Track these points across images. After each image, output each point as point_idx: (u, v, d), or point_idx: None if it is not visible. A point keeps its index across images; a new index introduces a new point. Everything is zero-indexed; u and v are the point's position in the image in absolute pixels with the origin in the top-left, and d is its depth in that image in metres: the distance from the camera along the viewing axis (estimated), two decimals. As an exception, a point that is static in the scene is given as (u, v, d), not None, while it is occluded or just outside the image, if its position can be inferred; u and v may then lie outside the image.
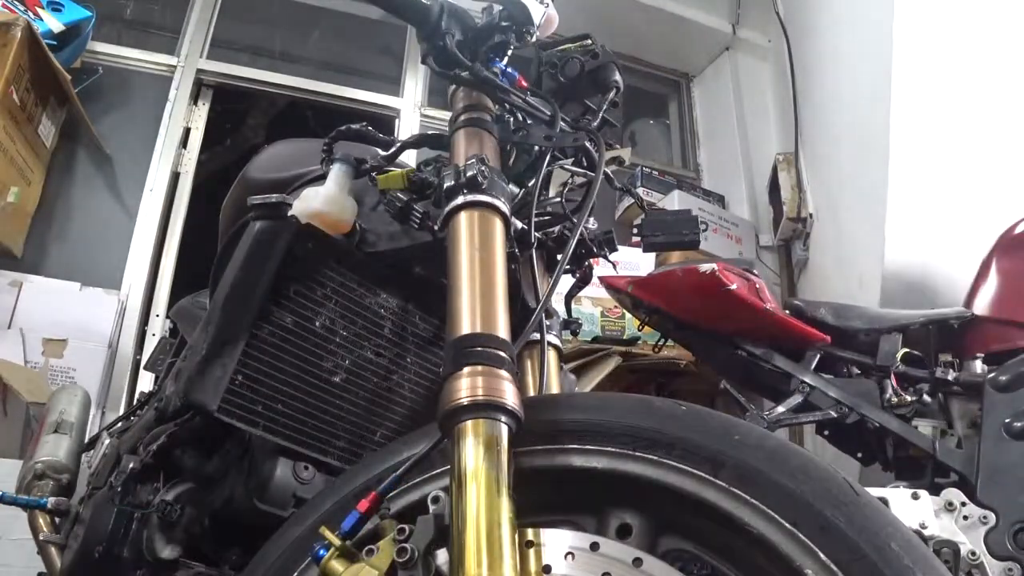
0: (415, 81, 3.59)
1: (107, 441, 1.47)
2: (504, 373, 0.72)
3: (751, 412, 1.79)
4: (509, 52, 1.05)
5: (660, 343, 2.17)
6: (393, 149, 1.10)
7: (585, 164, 1.08)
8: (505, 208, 0.87)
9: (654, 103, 4.28)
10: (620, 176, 1.15)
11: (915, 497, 1.52)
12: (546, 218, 1.11)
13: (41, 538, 1.28)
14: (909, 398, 1.72)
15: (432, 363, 1.11)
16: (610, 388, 2.54)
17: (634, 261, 2.77)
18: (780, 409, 1.76)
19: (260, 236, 0.97)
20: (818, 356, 1.83)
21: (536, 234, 1.03)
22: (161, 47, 3.24)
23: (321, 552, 0.70)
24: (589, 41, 1.12)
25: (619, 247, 1.16)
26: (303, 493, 0.96)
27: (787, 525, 0.61)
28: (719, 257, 2.90)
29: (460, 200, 0.85)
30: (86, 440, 1.59)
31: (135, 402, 1.67)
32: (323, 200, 1.03)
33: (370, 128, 1.11)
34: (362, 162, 1.08)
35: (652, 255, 2.74)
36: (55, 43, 2.65)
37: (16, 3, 2.59)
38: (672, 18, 3.84)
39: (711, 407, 0.74)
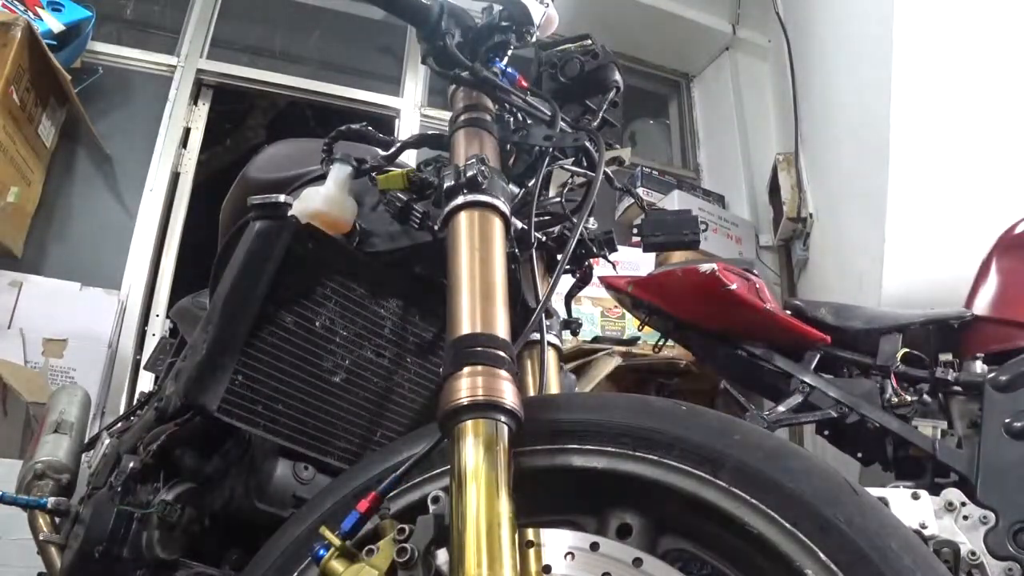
0: (415, 81, 3.59)
1: (107, 441, 1.47)
2: (504, 373, 0.72)
3: (751, 412, 1.79)
4: (509, 52, 1.05)
5: (660, 343, 2.17)
6: (393, 149, 1.10)
7: (585, 164, 1.08)
8: (505, 208, 0.87)
9: (654, 103, 4.28)
10: (620, 176, 1.15)
11: (915, 497, 1.52)
12: (546, 218, 1.11)
13: (41, 538, 1.28)
14: (909, 398, 1.72)
15: (432, 363, 1.11)
16: (610, 388, 2.53)
17: (634, 261, 2.77)
18: (780, 409, 1.76)
19: (260, 236, 0.97)
20: (818, 356, 1.83)
21: (536, 234, 1.03)
22: (161, 47, 3.24)
23: (321, 552, 0.70)
24: (589, 41, 1.12)
25: (619, 247, 1.16)
26: (303, 493, 0.96)
27: (787, 525, 0.61)
28: (719, 257, 2.90)
29: (460, 200, 0.85)
30: (86, 440, 1.58)
31: (135, 402, 1.68)
32: (323, 200, 1.03)
33: (370, 128, 1.11)
34: (362, 162, 1.08)
35: (652, 255, 2.74)
36: (55, 43, 2.65)
37: (16, 3, 2.59)
38: (672, 18, 3.85)
39: (711, 407, 0.74)
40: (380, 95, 3.52)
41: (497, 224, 0.85)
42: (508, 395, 0.71)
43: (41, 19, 2.64)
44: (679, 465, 0.68)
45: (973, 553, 1.44)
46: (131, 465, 1.05)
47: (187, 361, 0.98)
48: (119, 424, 1.57)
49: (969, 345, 1.80)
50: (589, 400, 0.83)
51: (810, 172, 3.30)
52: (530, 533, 0.69)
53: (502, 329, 0.76)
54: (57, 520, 1.32)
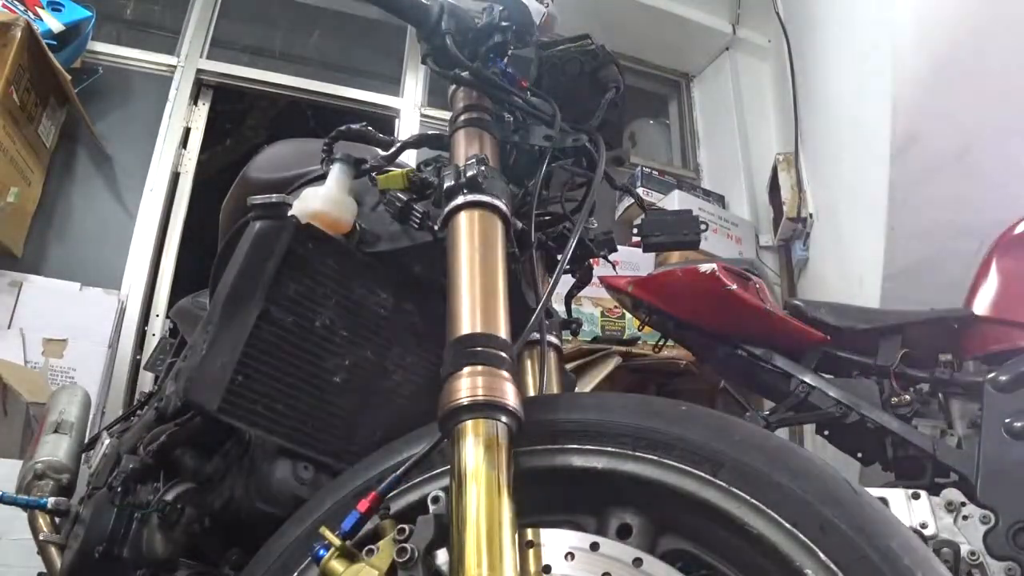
0: (415, 81, 3.59)
1: (107, 441, 1.47)
2: (504, 373, 0.72)
3: (751, 412, 1.79)
4: (509, 52, 1.05)
5: (660, 343, 2.16)
6: (393, 149, 1.10)
7: (585, 164, 1.08)
8: (505, 208, 0.87)
9: (654, 103, 4.28)
10: (620, 176, 1.15)
11: (915, 497, 1.52)
12: (546, 218, 1.11)
13: (41, 538, 1.28)
14: (909, 398, 1.72)
15: (432, 363, 1.11)
16: (610, 388, 2.53)
17: (634, 261, 2.77)
18: (780, 409, 1.76)
19: (260, 236, 0.97)
20: (818, 356, 1.83)
21: (536, 234, 1.03)
22: (161, 47, 3.24)
23: (321, 552, 0.70)
24: (589, 41, 1.12)
25: (619, 247, 1.17)
26: (303, 493, 0.96)
27: (787, 525, 0.61)
28: (719, 257, 2.90)
29: (460, 200, 0.85)
30: (86, 440, 1.58)
31: (135, 402, 1.68)
32: (323, 200, 1.03)
33: (370, 128, 1.11)
34: (362, 162, 1.08)
35: (652, 255, 2.74)
36: (55, 43, 2.65)
37: (16, 3, 2.59)
38: (672, 18, 3.84)
39: (711, 407, 0.74)
40: (380, 95, 3.52)
41: (497, 224, 0.86)
42: (508, 395, 0.71)
43: (41, 19, 2.64)
44: (679, 465, 0.68)
45: (973, 553, 1.44)
46: (131, 465, 1.05)
47: (187, 361, 0.98)
48: (119, 424, 1.56)
49: (969, 345, 1.79)
50: (589, 400, 0.83)
51: (810, 172, 3.30)
52: (530, 533, 0.69)
53: (502, 329, 0.76)
54: (57, 520, 1.32)
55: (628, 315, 2.74)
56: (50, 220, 2.78)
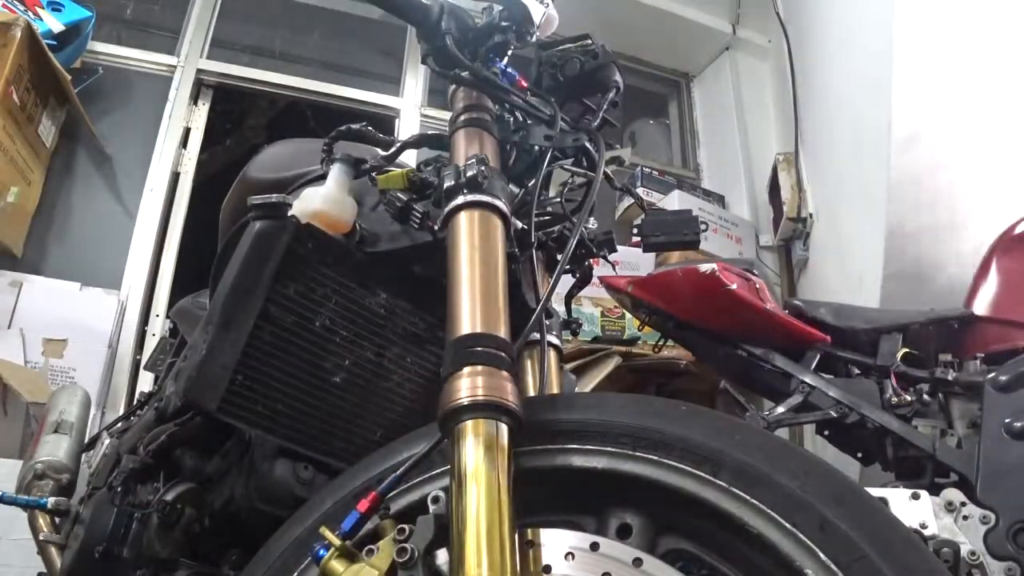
0: (415, 81, 3.59)
1: (107, 441, 1.47)
2: (504, 373, 0.72)
3: (751, 412, 1.79)
4: (509, 52, 1.05)
5: (660, 343, 2.17)
6: (393, 149, 1.10)
7: (585, 164, 1.08)
8: (505, 208, 0.87)
9: (654, 103, 4.28)
10: (620, 176, 1.16)
11: (915, 497, 1.52)
12: (546, 218, 1.11)
13: (41, 538, 1.28)
14: (909, 398, 1.72)
15: (432, 363, 1.11)
16: (610, 388, 2.53)
17: (634, 261, 2.77)
18: (780, 409, 1.76)
19: (260, 236, 0.96)
20: (818, 356, 1.83)
21: (536, 234, 1.03)
22: (161, 47, 3.24)
23: (321, 552, 0.70)
24: (589, 41, 1.12)
25: (619, 247, 1.16)
26: (303, 493, 0.96)
27: (787, 525, 0.61)
28: (719, 257, 2.90)
29: (460, 200, 0.85)
30: (86, 440, 1.59)
31: (135, 402, 1.67)
32: (323, 200, 1.03)
33: (370, 128, 1.11)
34: (362, 162, 1.08)
35: (652, 255, 2.74)
36: (55, 43, 2.65)
37: (16, 3, 2.59)
38: (672, 18, 3.84)
39: (711, 407, 0.74)
40: (380, 95, 3.52)
41: (497, 224, 0.85)
42: (508, 395, 0.71)
43: (41, 19, 2.64)
44: (679, 465, 0.68)
45: (973, 553, 1.44)
46: (131, 465, 1.05)
47: (187, 361, 0.98)
48: (119, 424, 1.56)
49: (969, 345, 1.79)
50: (589, 400, 0.83)
51: (810, 172, 3.30)
52: (530, 533, 0.69)
53: (502, 329, 0.76)
54: (57, 520, 1.32)
55: (628, 315, 2.74)
56: (50, 220, 2.78)
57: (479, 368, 0.71)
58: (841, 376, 1.86)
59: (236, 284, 0.95)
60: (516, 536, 0.65)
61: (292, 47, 3.61)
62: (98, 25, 2.94)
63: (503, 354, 0.74)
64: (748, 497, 0.63)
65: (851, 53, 2.90)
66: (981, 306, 1.83)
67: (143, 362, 2.60)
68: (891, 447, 1.74)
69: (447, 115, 1.05)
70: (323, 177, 1.08)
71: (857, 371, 1.86)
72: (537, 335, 1.05)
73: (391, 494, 0.75)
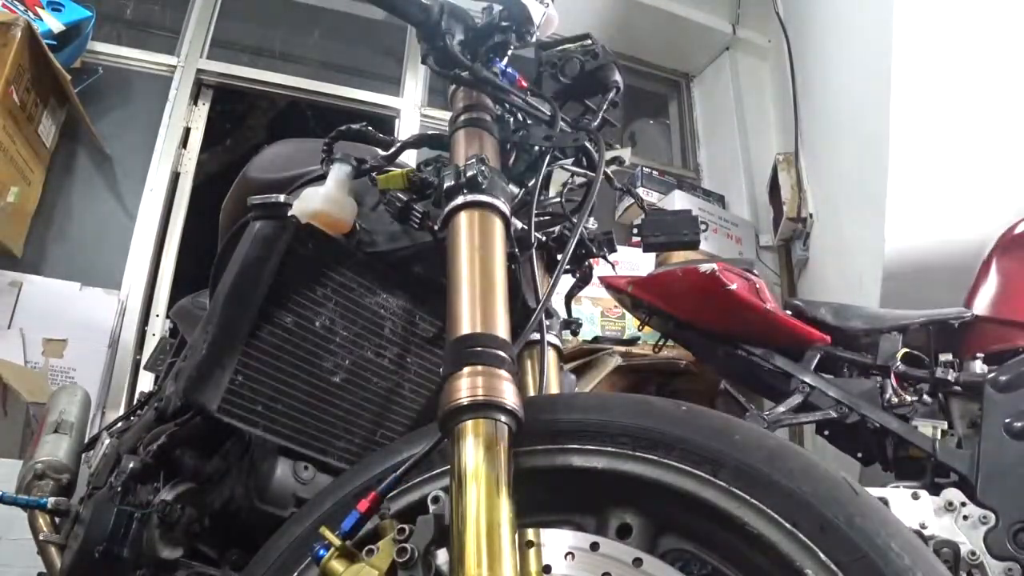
0: (415, 81, 3.59)
1: (107, 441, 1.47)
2: (504, 373, 0.72)
3: (751, 412, 1.79)
4: (509, 52, 1.05)
5: (660, 343, 2.17)
6: (393, 149, 1.10)
7: (585, 164, 1.08)
8: (505, 208, 0.87)
9: (654, 103, 4.28)
10: (620, 176, 1.15)
11: (915, 497, 1.52)
12: (546, 218, 1.11)
13: (41, 538, 1.28)
14: (909, 398, 1.72)
15: (432, 363, 1.11)
16: (610, 388, 2.53)
17: (634, 261, 2.77)
18: (780, 409, 1.76)
19: (260, 236, 0.97)
20: (818, 356, 1.83)
21: (536, 234, 1.03)
22: (161, 47, 3.24)
23: (321, 552, 0.70)
24: (589, 41, 1.12)
25: (619, 247, 1.16)
26: (303, 493, 0.96)
27: (787, 525, 0.61)
28: (719, 257, 2.89)
29: (460, 200, 0.85)
30: (86, 440, 1.58)
31: (135, 402, 1.68)
32: (323, 200, 1.03)
33: (370, 128, 1.11)
34: (362, 162, 1.08)
35: (652, 255, 2.74)
36: (55, 43, 2.65)
37: (16, 3, 2.59)
38: (672, 18, 3.84)
39: (711, 407, 0.74)
40: (380, 95, 3.52)
41: (497, 224, 0.85)
42: (508, 395, 0.71)
43: (41, 19, 2.64)
44: (679, 465, 0.68)
45: (973, 553, 1.44)
46: (131, 465, 1.05)
47: (187, 361, 0.98)
48: (119, 424, 1.57)
49: (969, 345, 1.80)
50: (589, 400, 0.83)
51: (810, 172, 3.30)
52: (530, 533, 0.69)
53: (502, 329, 0.76)
54: (57, 520, 1.32)
55: (628, 315, 2.74)
56: (50, 220, 2.78)
57: (479, 368, 0.71)
58: (841, 376, 1.86)
59: (236, 284, 0.95)
60: (516, 536, 0.65)
61: (292, 47, 3.61)
62: (98, 25, 2.94)
63: (503, 354, 0.73)
64: (748, 497, 0.63)
65: (851, 53, 2.90)
66: (981, 306, 1.83)
67: (143, 362, 2.60)
68: (891, 447, 1.74)
69: (447, 115, 1.05)
70: (323, 177, 1.08)
71: (857, 371, 1.86)
72: (537, 335, 1.04)
73: (391, 494, 0.75)
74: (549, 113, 1.03)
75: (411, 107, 3.53)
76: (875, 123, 2.61)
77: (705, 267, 1.81)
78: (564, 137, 1.01)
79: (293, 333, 0.97)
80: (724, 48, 4.00)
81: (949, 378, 1.72)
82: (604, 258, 1.15)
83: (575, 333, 1.77)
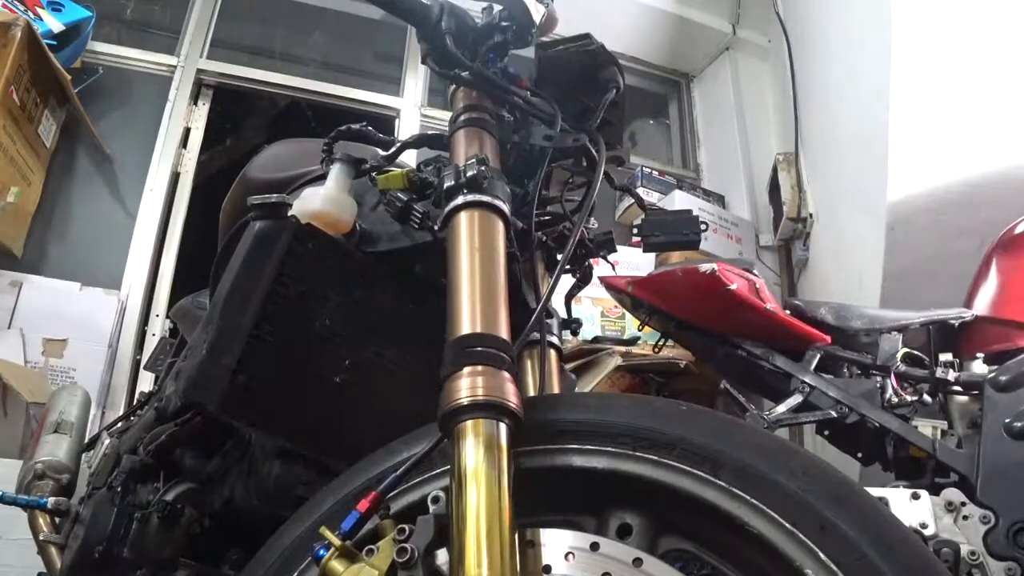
0: (415, 81, 3.59)
1: (107, 441, 1.47)
2: (504, 373, 0.72)
3: (751, 412, 1.79)
4: (509, 52, 1.05)
5: (660, 343, 2.16)
6: (393, 149, 1.10)
7: (585, 164, 1.08)
8: (505, 208, 0.87)
9: (654, 103, 4.28)
10: (620, 176, 1.15)
11: (915, 497, 1.52)
12: (546, 218, 1.11)
13: (41, 538, 1.28)
14: (909, 398, 1.72)
15: (432, 363, 1.11)
16: (610, 388, 2.53)
17: (634, 261, 2.77)
18: (780, 409, 1.76)
19: (260, 236, 0.97)
20: (818, 356, 1.83)
21: (536, 234, 1.03)
22: (161, 47, 3.25)
23: (321, 552, 0.70)
24: (589, 41, 1.12)
25: (619, 247, 1.16)
26: (303, 493, 0.96)
27: (787, 525, 0.61)
28: (719, 257, 2.89)
29: (460, 200, 0.85)
30: (86, 440, 1.58)
31: (135, 402, 1.68)
32: (323, 200, 1.03)
33: (370, 128, 1.11)
34: (362, 162, 1.08)
35: (652, 255, 2.74)
36: (55, 43, 2.65)
37: (16, 3, 2.59)
38: (672, 18, 3.85)
39: (711, 407, 0.74)
40: (380, 95, 3.52)
41: (497, 224, 0.85)
42: (509, 395, 0.71)
43: (41, 19, 2.65)
44: (679, 465, 0.68)
45: (973, 553, 1.44)
46: (131, 465, 1.05)
47: (187, 361, 0.98)
48: (119, 424, 1.57)
49: (969, 345, 1.79)
50: (589, 400, 0.83)
51: (810, 172, 3.30)
52: (530, 533, 0.69)
53: (502, 329, 0.76)
54: (57, 520, 1.32)
55: (628, 315, 2.74)
56: (50, 220, 2.78)
57: (479, 368, 0.71)
58: (841, 376, 1.85)
59: (236, 284, 0.95)
60: (516, 536, 0.65)
61: (292, 47, 3.61)
62: (98, 25, 2.94)
63: (503, 354, 0.74)
64: (748, 497, 0.63)
65: (851, 53, 2.90)
66: (981, 306, 1.83)
67: (143, 362, 2.60)
68: (891, 447, 1.74)
69: (447, 115, 1.05)
70: (323, 177, 1.08)
71: (857, 371, 1.86)
72: (537, 335, 1.05)
73: (391, 494, 0.75)
74: (549, 113, 1.03)
75: (411, 107, 3.53)
76: (875, 122, 2.61)
77: (705, 267, 1.81)
78: (564, 137, 1.01)
79: (293, 333, 0.97)
80: (724, 48, 4.00)
81: (949, 378, 1.72)
82: (604, 258, 1.15)
83: (575, 333, 1.77)
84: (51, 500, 1.31)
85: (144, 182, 2.96)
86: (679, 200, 3.37)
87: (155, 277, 2.89)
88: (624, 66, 1.14)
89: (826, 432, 1.92)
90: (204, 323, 0.97)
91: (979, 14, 2.51)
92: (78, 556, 1.06)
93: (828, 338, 1.82)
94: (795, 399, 1.76)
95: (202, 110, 3.22)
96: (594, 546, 0.67)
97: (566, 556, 0.67)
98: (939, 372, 1.73)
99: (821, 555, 0.58)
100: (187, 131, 3.13)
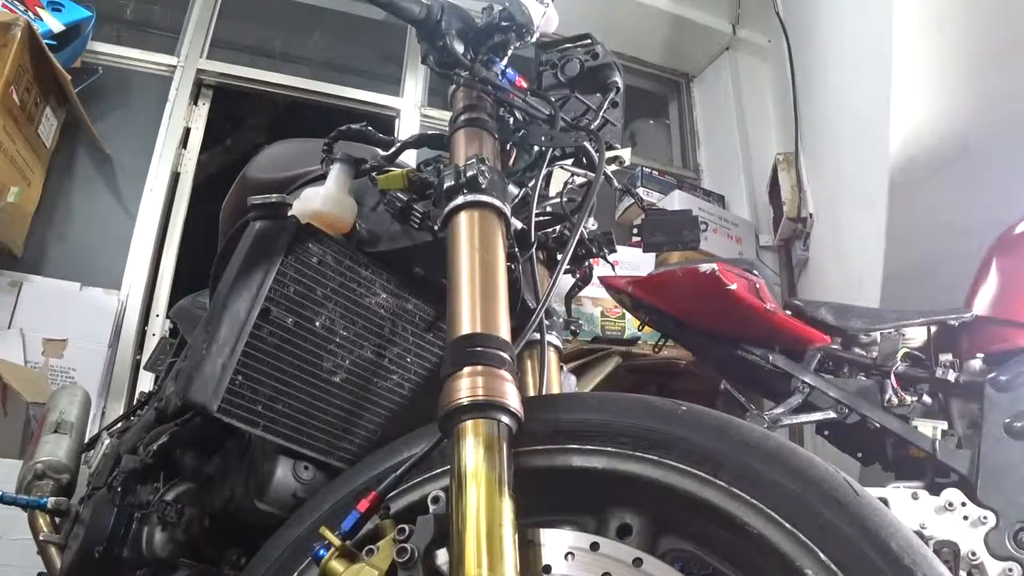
0: (415, 81, 3.59)
1: (107, 441, 1.47)
2: (504, 373, 0.72)
3: (751, 412, 1.79)
4: (509, 52, 1.05)
5: (660, 343, 2.17)
6: (393, 149, 1.10)
7: (585, 164, 1.08)
8: (505, 208, 0.87)
9: (654, 103, 4.28)
10: (620, 176, 1.15)
11: (915, 497, 1.52)
12: (546, 218, 1.11)
13: (41, 538, 1.28)
14: (909, 398, 1.72)
15: (432, 363, 1.11)
16: (610, 388, 2.53)
17: (634, 261, 2.77)
18: (780, 409, 1.76)
19: (260, 236, 0.97)
20: (818, 356, 1.83)
21: (536, 234, 1.03)
22: (161, 47, 3.24)
23: (321, 552, 0.70)
24: (589, 41, 1.12)
25: (619, 247, 1.16)
26: (303, 493, 0.96)
27: (787, 525, 0.61)
28: (719, 257, 2.89)
29: (460, 200, 0.85)
30: (86, 440, 1.59)
31: (135, 402, 1.68)
32: (323, 200, 1.03)
33: (370, 128, 1.11)
34: (362, 162, 1.08)
35: (652, 255, 2.74)
36: (55, 43, 2.65)
37: (16, 3, 2.59)
38: (672, 18, 3.84)
39: (711, 407, 0.74)
40: (380, 95, 3.52)
41: (497, 224, 0.86)
42: (508, 395, 0.71)
43: (41, 19, 2.64)
44: (679, 465, 0.68)
45: (973, 553, 1.44)
46: (131, 465, 1.05)
47: (187, 361, 0.98)
48: (119, 424, 1.57)
49: (969, 345, 1.79)
50: (589, 400, 0.83)
51: (810, 172, 3.30)
52: (530, 533, 0.69)
53: (502, 329, 0.76)
54: (57, 520, 1.32)
55: (628, 315, 2.74)
56: (50, 220, 2.78)
57: (479, 368, 0.71)
58: (841, 376, 1.85)
59: (236, 284, 0.95)
60: (516, 536, 0.65)
61: (292, 47, 3.61)
62: (98, 25, 2.94)
63: (503, 354, 0.74)
64: (748, 497, 0.63)
65: (851, 53, 2.90)
66: (981, 306, 1.83)
67: (143, 362, 2.60)
68: (891, 447, 1.74)
69: (447, 115, 1.05)
70: (323, 177, 1.08)
71: (857, 371, 1.86)
72: (537, 335, 1.05)
73: (391, 494, 0.75)
74: (549, 113, 1.03)
75: (411, 107, 3.53)
76: (875, 123, 2.61)
77: (705, 267, 1.81)
78: (564, 137, 1.01)
79: (293, 333, 0.97)
80: (724, 48, 4.00)
81: (949, 378, 1.72)
82: (604, 258, 1.15)
83: (575, 333, 1.77)
84: (51, 500, 1.31)
85: (144, 182, 2.95)
86: (679, 200, 3.37)
87: (155, 277, 2.89)
88: (624, 66, 1.14)
89: (826, 432, 1.92)
90: (204, 323, 0.97)
91: (979, 14, 2.51)
92: (78, 556, 1.06)
93: (828, 338, 1.82)
94: (795, 399, 1.76)
95: (202, 110, 3.22)
96: (594, 546, 0.67)
97: (566, 556, 0.67)
98: (939, 372, 1.73)
99: (821, 555, 0.58)
100: (187, 131, 3.13)
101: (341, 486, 0.84)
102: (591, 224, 1.13)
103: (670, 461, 0.68)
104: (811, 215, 3.23)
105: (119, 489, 1.05)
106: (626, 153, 1.14)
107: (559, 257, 1.07)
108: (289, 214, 0.99)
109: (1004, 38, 2.46)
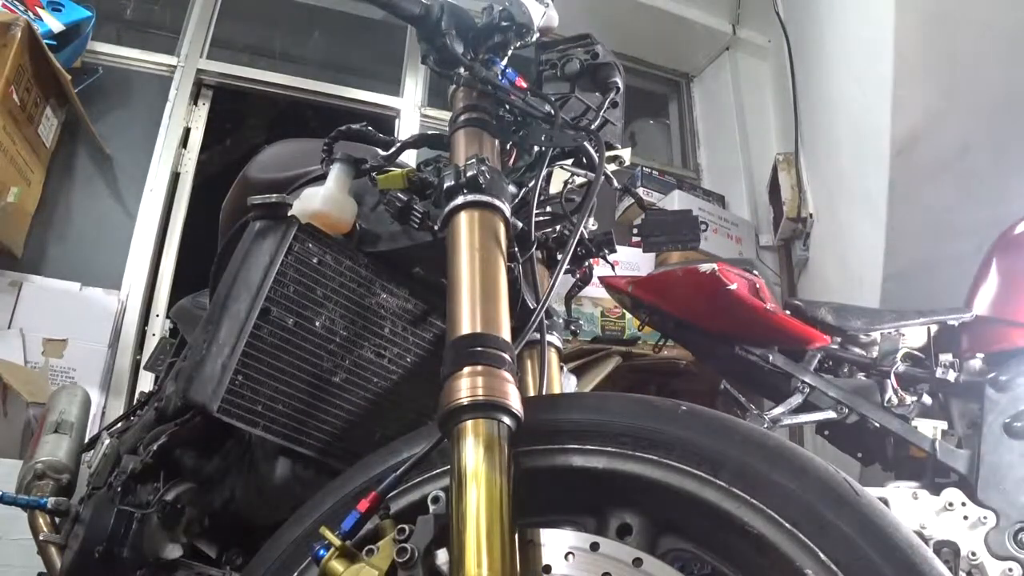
0: (415, 81, 3.59)
1: (107, 441, 1.47)
2: (504, 373, 0.72)
3: (751, 412, 1.79)
4: (509, 52, 1.05)
5: (660, 343, 2.16)
6: (393, 149, 1.10)
7: (585, 164, 1.08)
8: (505, 208, 0.87)
9: (654, 103, 4.28)
10: (620, 176, 1.15)
11: (915, 497, 1.52)
12: (546, 218, 1.11)
13: (41, 538, 1.28)
14: (909, 398, 1.72)
15: (432, 363, 1.11)
16: (610, 388, 2.53)
17: (634, 261, 2.77)
18: (780, 409, 1.76)
19: (260, 236, 0.97)
20: (818, 356, 1.83)
21: (536, 234, 1.03)
22: (161, 47, 3.24)
23: (321, 552, 0.70)
24: (589, 41, 1.12)
25: (619, 247, 1.16)
26: (303, 493, 0.96)
27: (787, 525, 0.61)
28: (719, 257, 2.89)
29: (460, 200, 0.85)
30: (86, 440, 1.58)
31: (135, 402, 1.68)
32: (323, 200, 1.03)
33: (370, 128, 1.11)
34: (362, 162, 1.08)
35: (652, 255, 2.74)
36: (55, 43, 2.65)
37: (16, 3, 2.59)
38: (672, 18, 3.84)
39: (711, 407, 0.74)
40: (380, 95, 3.52)
41: (497, 224, 0.86)
42: (509, 395, 0.71)
43: (41, 19, 2.64)
44: (679, 465, 0.68)
45: (973, 553, 1.44)
46: (131, 465, 1.05)
47: (187, 361, 0.99)
48: (119, 424, 1.56)
49: (969, 345, 1.79)
50: (589, 400, 0.83)
51: (810, 172, 3.30)
52: (530, 533, 0.69)
53: (502, 329, 0.76)
54: (57, 520, 1.32)
55: (628, 315, 2.74)
56: (50, 220, 2.78)
57: (479, 368, 0.71)
58: (841, 376, 1.85)
59: (236, 284, 0.95)
60: (516, 536, 0.65)
61: (292, 47, 3.61)
62: (98, 25, 2.94)
63: (503, 354, 0.74)
64: (748, 497, 0.63)
65: (851, 53, 2.90)
66: (981, 306, 1.83)
67: (143, 362, 2.60)
68: (891, 447, 1.74)
69: (447, 115, 1.05)
70: (323, 177, 1.08)
71: (857, 371, 1.86)
72: (537, 335, 1.05)
73: (391, 494, 0.75)
74: (549, 113, 1.03)
75: (411, 107, 3.53)
76: (875, 123, 2.61)
77: (705, 267, 1.81)
78: (564, 137, 1.01)
79: (293, 333, 0.98)
80: (724, 48, 4.00)
81: (949, 378, 1.72)
82: (604, 258, 1.15)
83: (575, 333, 1.77)
84: (51, 500, 1.31)
85: (144, 182, 2.96)
86: (679, 200, 3.37)
87: (155, 277, 2.89)
88: (624, 66, 1.14)
89: (826, 432, 1.92)
90: (204, 323, 0.97)
91: (979, 14, 2.50)
92: (78, 556, 1.06)
93: (828, 338, 1.82)
94: (795, 399, 1.76)
95: (202, 110, 3.22)
96: (594, 546, 0.67)
97: (566, 556, 0.67)
98: (939, 372, 1.73)
99: (821, 555, 0.58)
100: (187, 131, 3.13)
101: (341, 486, 0.84)
102: (591, 224, 1.13)
103: (670, 461, 0.68)
104: (811, 215, 3.23)
105: (119, 489, 1.05)
106: (626, 153, 1.14)
107: (559, 257, 1.07)
108: (289, 214, 0.99)
109: (1004, 38, 2.46)
